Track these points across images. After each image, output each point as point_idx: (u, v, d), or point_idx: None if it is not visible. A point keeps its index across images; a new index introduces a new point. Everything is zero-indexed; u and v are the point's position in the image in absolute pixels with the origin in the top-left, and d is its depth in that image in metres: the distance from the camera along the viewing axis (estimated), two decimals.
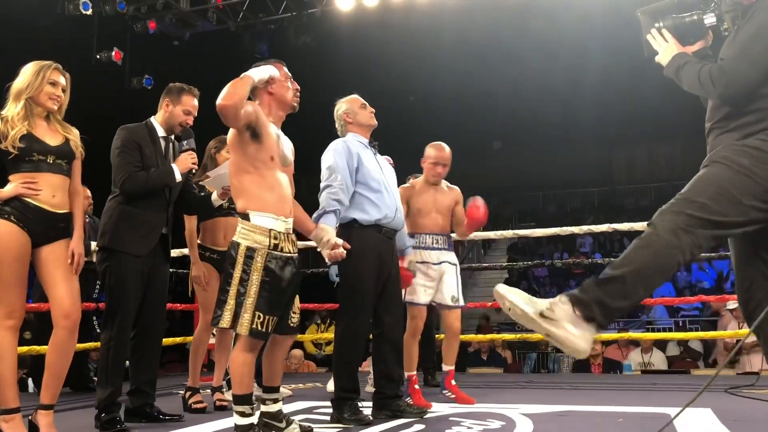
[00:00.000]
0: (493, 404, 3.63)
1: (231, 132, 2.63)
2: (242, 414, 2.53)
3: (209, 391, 3.77)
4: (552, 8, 9.63)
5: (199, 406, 3.56)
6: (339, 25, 9.30)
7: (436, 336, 5.22)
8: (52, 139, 2.77)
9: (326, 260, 3.06)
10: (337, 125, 3.43)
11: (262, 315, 2.50)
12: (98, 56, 8.68)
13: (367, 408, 3.25)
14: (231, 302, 2.51)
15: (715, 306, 8.05)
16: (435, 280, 3.75)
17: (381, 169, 3.34)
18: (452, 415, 3.30)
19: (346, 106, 3.40)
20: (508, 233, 6.21)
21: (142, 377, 3.26)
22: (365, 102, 3.41)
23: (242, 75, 2.58)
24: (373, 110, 3.40)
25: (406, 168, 4.42)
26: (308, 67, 9.65)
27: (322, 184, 3.19)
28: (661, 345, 7.70)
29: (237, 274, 2.51)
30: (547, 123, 13.82)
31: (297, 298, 2.75)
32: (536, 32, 10.18)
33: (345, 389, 3.17)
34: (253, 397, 2.60)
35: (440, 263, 3.78)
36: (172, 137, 3.35)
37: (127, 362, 3.27)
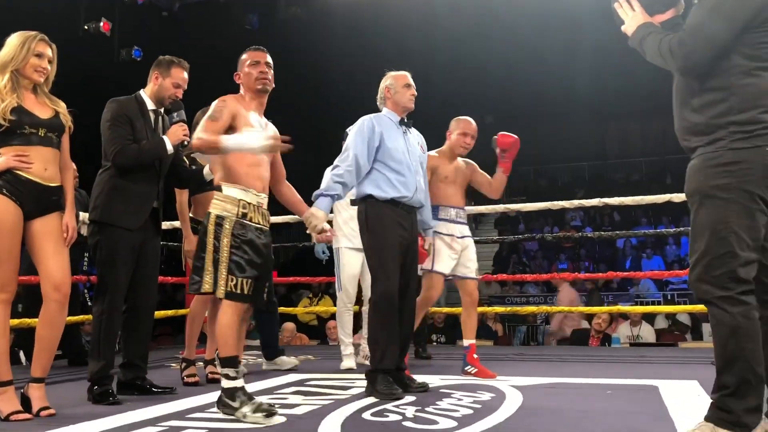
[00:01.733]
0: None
1: None
2: (226, 377, 2.59)
3: (201, 363, 3.79)
4: None
5: (191, 380, 3.57)
6: None
7: (431, 309, 5.22)
8: (42, 112, 2.74)
9: (313, 240, 3.16)
10: (378, 95, 3.47)
11: (234, 278, 2.61)
12: (86, 27, 8.52)
13: (361, 380, 3.27)
14: (210, 268, 2.62)
15: None
16: (458, 252, 3.79)
17: (407, 148, 3.35)
18: (443, 387, 3.33)
19: (391, 81, 3.43)
20: (500, 207, 6.23)
21: (134, 350, 3.26)
22: (411, 83, 3.42)
23: (220, 141, 2.64)
24: (415, 93, 3.41)
25: None
26: (299, 39, 9.54)
27: (335, 162, 3.24)
28: (650, 318, 7.78)
29: (210, 240, 2.64)
30: (540, 97, 13.75)
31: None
32: (530, 5, 10.09)
33: (386, 357, 3.12)
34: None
35: (463, 237, 3.83)
36: (162, 110, 3.32)
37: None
